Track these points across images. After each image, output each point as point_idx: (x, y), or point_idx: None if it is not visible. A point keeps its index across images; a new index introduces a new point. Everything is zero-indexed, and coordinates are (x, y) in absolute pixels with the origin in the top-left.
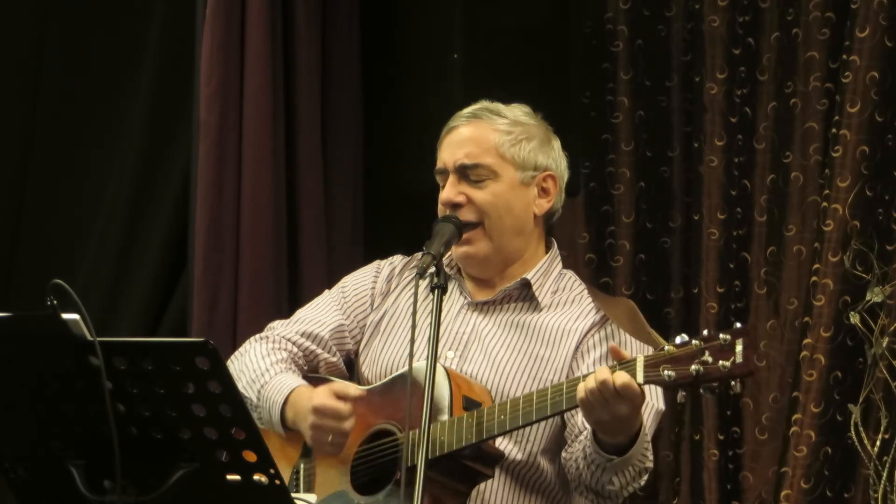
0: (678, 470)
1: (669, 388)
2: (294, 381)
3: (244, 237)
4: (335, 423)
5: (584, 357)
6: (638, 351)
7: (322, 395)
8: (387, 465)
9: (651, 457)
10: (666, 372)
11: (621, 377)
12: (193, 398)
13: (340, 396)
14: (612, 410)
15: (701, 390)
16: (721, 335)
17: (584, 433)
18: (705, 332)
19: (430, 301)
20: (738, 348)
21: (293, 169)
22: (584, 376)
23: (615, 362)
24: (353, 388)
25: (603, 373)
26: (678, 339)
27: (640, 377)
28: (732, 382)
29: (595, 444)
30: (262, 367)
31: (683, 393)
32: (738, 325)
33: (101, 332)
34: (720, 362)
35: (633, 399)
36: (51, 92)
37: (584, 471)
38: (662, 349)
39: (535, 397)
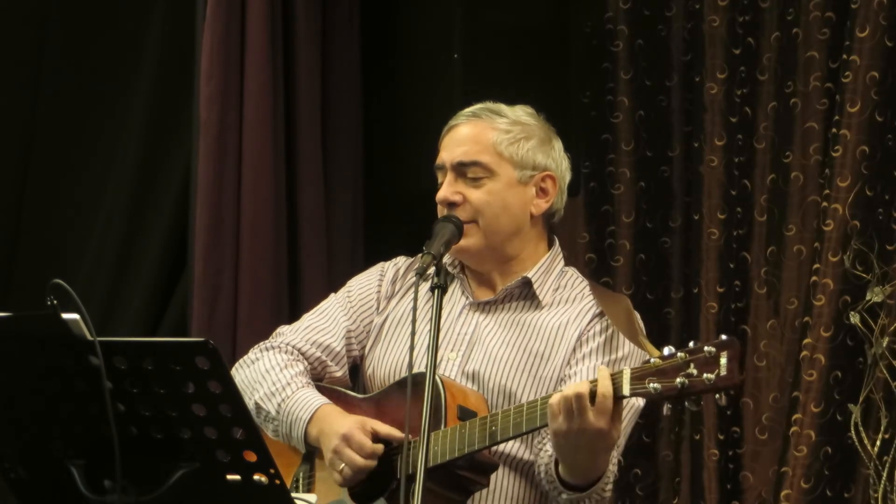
0: (678, 470)
1: (655, 401)
2: (318, 398)
3: (244, 237)
4: (355, 455)
5: (579, 349)
6: (630, 350)
7: (353, 424)
8: (383, 475)
9: (609, 487)
10: (652, 385)
11: (593, 386)
12: (193, 398)
13: (374, 433)
14: (575, 422)
15: (686, 402)
16: (706, 347)
17: (551, 454)
18: (691, 344)
19: (431, 302)
20: (723, 361)
21: (293, 168)
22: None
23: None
24: (385, 428)
25: (581, 386)
26: (665, 351)
27: (626, 389)
28: (717, 395)
29: (555, 474)
30: (283, 381)
31: (669, 406)
32: (724, 336)
33: (101, 331)
34: (704, 375)
35: (601, 415)
36: (51, 92)
37: (545, 483)
38: (648, 361)
39: (525, 408)
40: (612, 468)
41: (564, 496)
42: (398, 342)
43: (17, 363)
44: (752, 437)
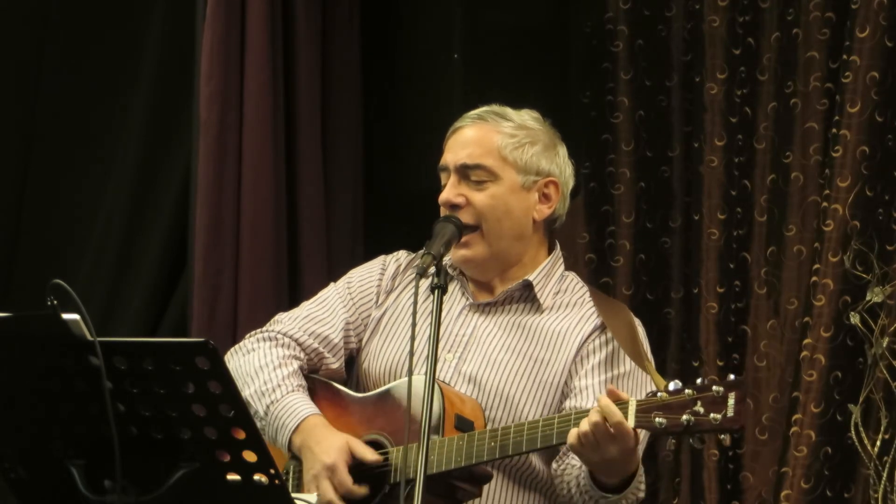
0: (678, 470)
1: (659, 435)
2: (306, 406)
3: (244, 237)
4: (331, 491)
5: (582, 363)
6: (632, 368)
7: (338, 455)
8: (375, 478)
9: (644, 486)
10: (657, 419)
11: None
12: (193, 398)
13: (357, 462)
14: (602, 453)
15: (690, 440)
16: (714, 387)
17: (581, 466)
18: (699, 381)
19: (431, 301)
20: (731, 402)
21: (293, 168)
22: (576, 417)
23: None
24: (370, 455)
25: (595, 415)
26: (672, 386)
27: (631, 421)
28: (721, 436)
29: (591, 480)
30: (275, 382)
31: (673, 440)
32: (732, 376)
33: (101, 331)
34: (711, 415)
35: (624, 439)
36: (51, 92)
37: (577, 498)
38: (655, 394)
39: (525, 428)
40: (641, 474)
41: (602, 502)
42: (394, 338)
43: (17, 363)
44: (752, 437)
